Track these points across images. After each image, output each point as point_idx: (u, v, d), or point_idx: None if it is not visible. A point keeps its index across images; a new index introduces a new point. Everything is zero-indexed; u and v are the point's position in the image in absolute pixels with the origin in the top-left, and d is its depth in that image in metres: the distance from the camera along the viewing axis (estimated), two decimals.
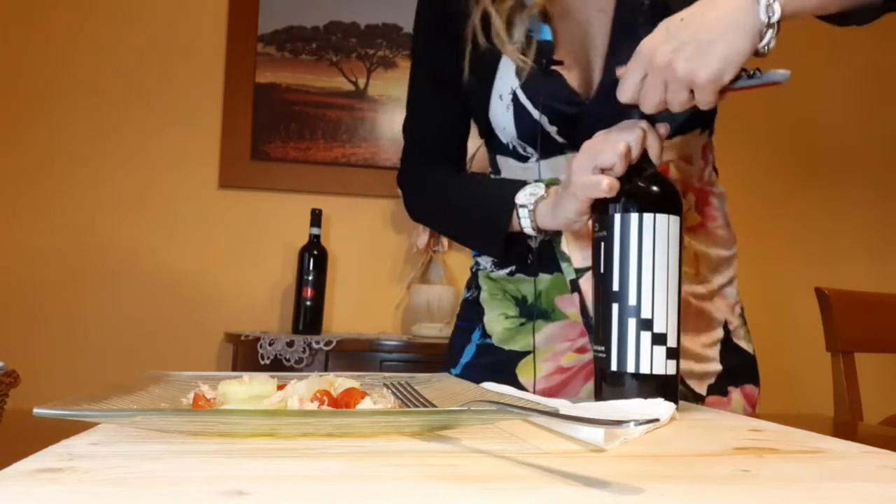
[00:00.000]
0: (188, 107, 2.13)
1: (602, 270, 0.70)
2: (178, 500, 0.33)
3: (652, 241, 0.67)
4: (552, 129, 0.88)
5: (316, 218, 2.04)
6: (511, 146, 0.93)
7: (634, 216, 0.68)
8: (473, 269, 1.03)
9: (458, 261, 2.24)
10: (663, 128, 0.73)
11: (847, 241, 2.50)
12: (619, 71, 0.73)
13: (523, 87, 0.88)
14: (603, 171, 0.71)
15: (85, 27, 2.09)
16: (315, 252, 2.02)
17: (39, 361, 1.98)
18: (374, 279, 2.22)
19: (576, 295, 0.88)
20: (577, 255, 0.87)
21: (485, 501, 0.35)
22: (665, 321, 0.67)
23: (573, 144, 0.88)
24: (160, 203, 2.10)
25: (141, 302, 2.06)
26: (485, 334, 0.97)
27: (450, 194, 0.97)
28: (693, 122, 0.91)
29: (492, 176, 1.00)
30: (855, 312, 1.56)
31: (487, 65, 0.90)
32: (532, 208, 0.81)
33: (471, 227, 0.93)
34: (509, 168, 0.97)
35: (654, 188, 0.69)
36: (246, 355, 1.89)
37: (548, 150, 0.90)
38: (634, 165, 0.71)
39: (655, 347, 0.66)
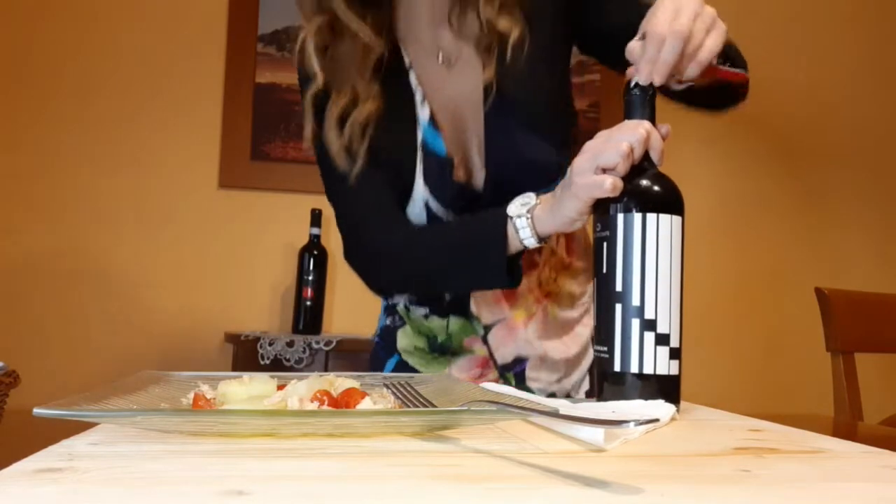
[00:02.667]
0: (188, 107, 2.13)
1: (605, 271, 0.69)
2: (178, 500, 0.33)
3: (655, 241, 0.67)
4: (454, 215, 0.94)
5: (316, 218, 2.04)
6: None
7: (637, 216, 0.68)
8: (391, 303, 1.05)
9: None
10: (664, 128, 0.73)
11: (847, 240, 2.50)
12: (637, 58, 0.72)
13: (433, 194, 0.92)
14: (605, 170, 0.70)
15: (85, 27, 2.09)
16: (315, 252, 2.02)
17: (39, 361, 1.97)
18: None
19: (485, 345, 0.96)
20: (485, 312, 0.95)
21: (485, 501, 0.35)
22: (668, 322, 0.67)
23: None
24: (160, 203, 2.10)
25: (141, 302, 2.06)
26: (402, 360, 1.02)
27: (429, 239, 0.92)
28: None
29: None
30: (855, 312, 1.56)
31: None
32: (529, 216, 0.79)
33: (467, 262, 0.87)
34: None
35: (657, 188, 0.69)
36: (246, 355, 1.89)
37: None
38: (636, 165, 0.70)
39: (659, 348, 0.66)
